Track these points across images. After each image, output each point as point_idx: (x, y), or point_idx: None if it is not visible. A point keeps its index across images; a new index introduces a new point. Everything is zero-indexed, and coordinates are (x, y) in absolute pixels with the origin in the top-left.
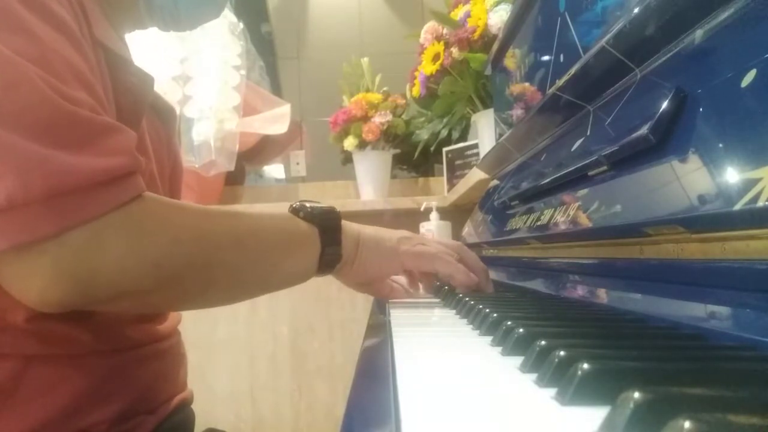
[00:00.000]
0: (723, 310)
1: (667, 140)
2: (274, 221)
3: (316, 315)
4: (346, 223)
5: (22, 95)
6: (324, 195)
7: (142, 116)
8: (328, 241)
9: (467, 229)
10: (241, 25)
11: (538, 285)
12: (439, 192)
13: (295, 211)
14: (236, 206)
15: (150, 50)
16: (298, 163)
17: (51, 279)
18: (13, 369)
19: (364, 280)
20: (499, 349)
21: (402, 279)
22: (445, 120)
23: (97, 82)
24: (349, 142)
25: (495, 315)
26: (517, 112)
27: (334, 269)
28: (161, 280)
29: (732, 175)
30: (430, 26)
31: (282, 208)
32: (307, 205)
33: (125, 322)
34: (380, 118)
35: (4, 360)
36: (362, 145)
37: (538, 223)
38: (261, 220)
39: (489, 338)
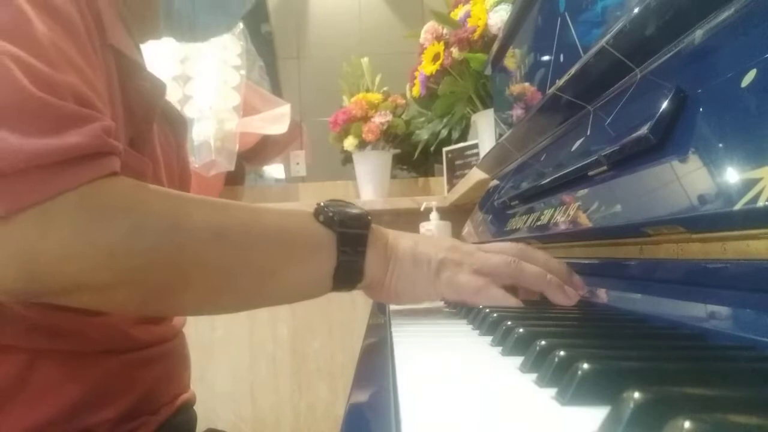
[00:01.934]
0: (723, 310)
1: (667, 140)
2: (282, 220)
3: (316, 315)
4: (380, 235)
5: None
6: (324, 195)
7: (153, 120)
8: (347, 253)
9: (467, 229)
10: (241, 25)
11: None
12: (439, 192)
13: (316, 211)
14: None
15: (150, 50)
16: (298, 163)
17: None
18: (20, 365)
19: (397, 303)
20: (499, 349)
21: None
22: (445, 120)
23: (95, 75)
24: (349, 142)
25: (495, 315)
26: (517, 112)
27: (356, 287)
28: (119, 273)
29: (732, 175)
30: (430, 26)
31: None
32: (331, 206)
33: (132, 323)
34: (380, 118)
35: (11, 354)
36: (362, 145)
37: (538, 223)
38: (264, 216)
39: (489, 338)
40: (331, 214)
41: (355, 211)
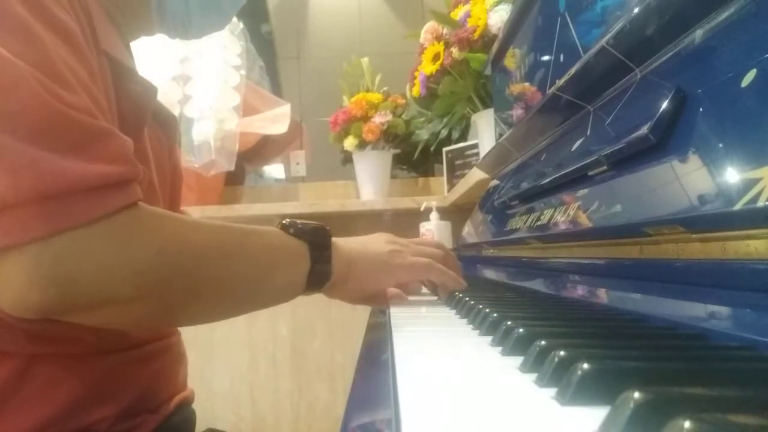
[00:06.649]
0: (723, 310)
1: (667, 140)
2: (264, 236)
3: (316, 315)
4: (336, 242)
5: (18, 97)
6: (324, 195)
7: (144, 125)
8: (317, 259)
9: (467, 229)
10: (241, 25)
11: (538, 285)
12: (439, 192)
13: (285, 227)
14: (235, 206)
15: (150, 50)
16: (298, 163)
17: (30, 282)
18: (17, 368)
19: (360, 296)
20: (499, 349)
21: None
22: (445, 120)
23: (98, 89)
24: (349, 142)
25: (495, 315)
26: (517, 112)
27: (323, 288)
28: (143, 289)
29: (732, 175)
30: (430, 26)
31: (282, 208)
32: (297, 222)
33: None
34: (380, 118)
35: (8, 359)
36: (362, 145)
37: (538, 223)
38: (250, 235)
39: (489, 338)
40: (300, 226)
41: (314, 224)
